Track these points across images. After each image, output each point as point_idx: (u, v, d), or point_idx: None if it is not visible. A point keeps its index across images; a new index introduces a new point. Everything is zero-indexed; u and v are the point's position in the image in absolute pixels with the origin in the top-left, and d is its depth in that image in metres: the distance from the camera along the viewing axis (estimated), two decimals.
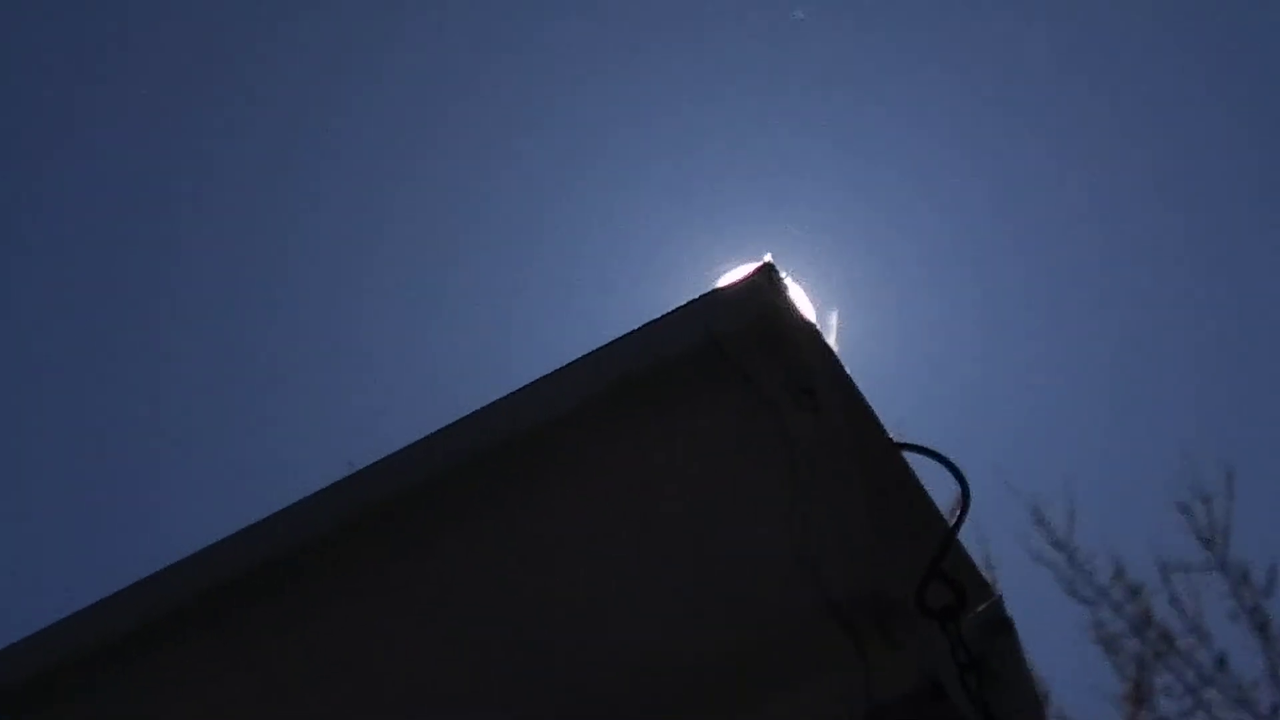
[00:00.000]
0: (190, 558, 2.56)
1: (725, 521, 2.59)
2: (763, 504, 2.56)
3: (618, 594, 2.65)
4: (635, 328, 2.55)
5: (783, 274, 2.52)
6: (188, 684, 2.60)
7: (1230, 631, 9.73)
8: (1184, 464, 9.97)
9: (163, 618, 2.54)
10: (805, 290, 2.56)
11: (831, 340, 2.55)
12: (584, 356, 2.53)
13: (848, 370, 2.56)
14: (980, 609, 2.56)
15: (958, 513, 2.56)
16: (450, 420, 2.57)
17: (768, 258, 2.59)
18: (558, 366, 2.55)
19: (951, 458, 2.61)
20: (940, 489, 2.68)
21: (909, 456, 2.63)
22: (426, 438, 2.56)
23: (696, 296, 2.54)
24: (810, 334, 2.49)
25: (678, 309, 2.52)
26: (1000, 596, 2.59)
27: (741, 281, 2.50)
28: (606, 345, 2.53)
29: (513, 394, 2.56)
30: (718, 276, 2.66)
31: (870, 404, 2.56)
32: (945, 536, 2.54)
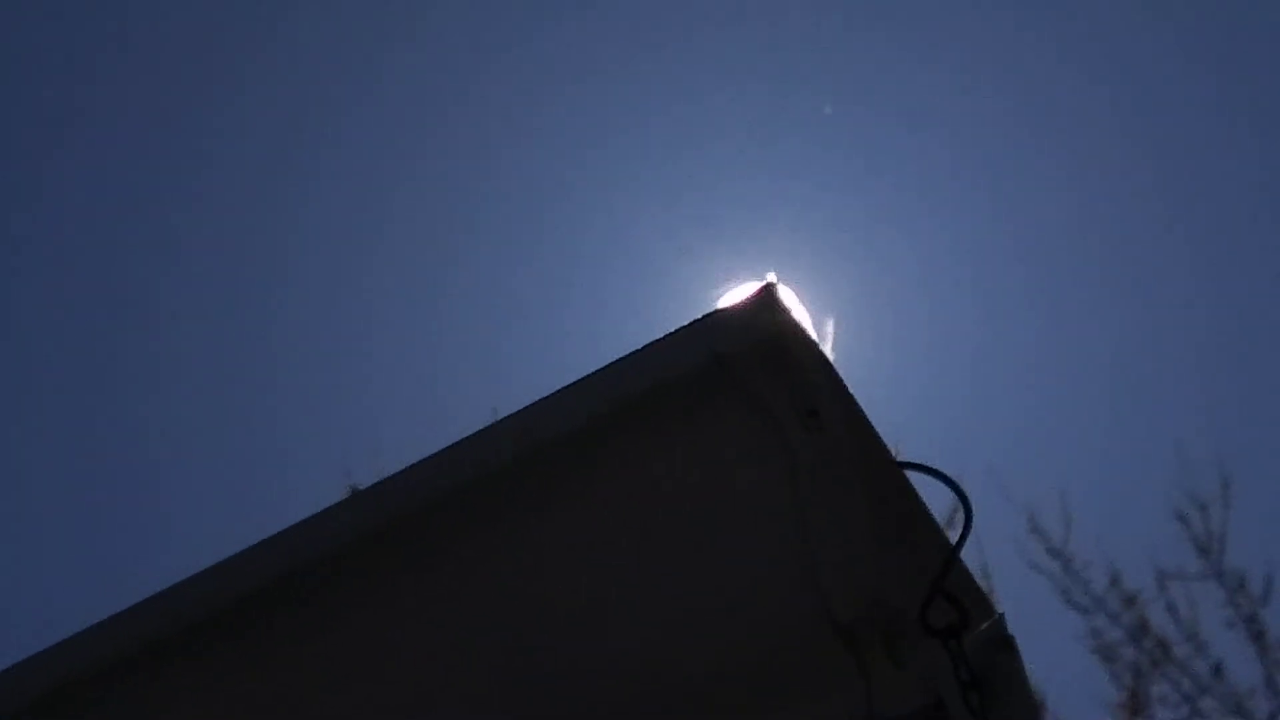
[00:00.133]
0: (205, 571, 2.58)
1: (729, 539, 2.62)
2: (766, 522, 2.59)
3: (623, 609, 2.68)
4: (639, 346, 2.58)
5: (785, 292, 2.54)
6: (202, 696, 2.63)
7: (1227, 640, 9.75)
8: (1180, 471, 10.00)
9: (178, 631, 2.56)
10: (802, 296, 2.59)
11: (828, 346, 2.58)
12: (590, 375, 2.56)
13: (850, 389, 2.59)
14: (982, 627, 2.59)
15: (960, 531, 2.58)
16: (457, 437, 2.60)
17: (770, 276, 2.62)
18: (562, 383, 2.58)
19: (954, 476, 2.63)
20: (938, 500, 2.71)
21: (911, 475, 2.65)
22: (436, 454, 2.59)
23: (700, 316, 2.56)
24: (814, 353, 2.52)
25: (682, 328, 2.55)
26: (1002, 614, 2.61)
27: (745, 301, 2.53)
28: (612, 364, 2.56)
29: (520, 411, 2.59)
30: (720, 292, 2.69)
31: (873, 423, 2.59)
32: (948, 555, 2.56)
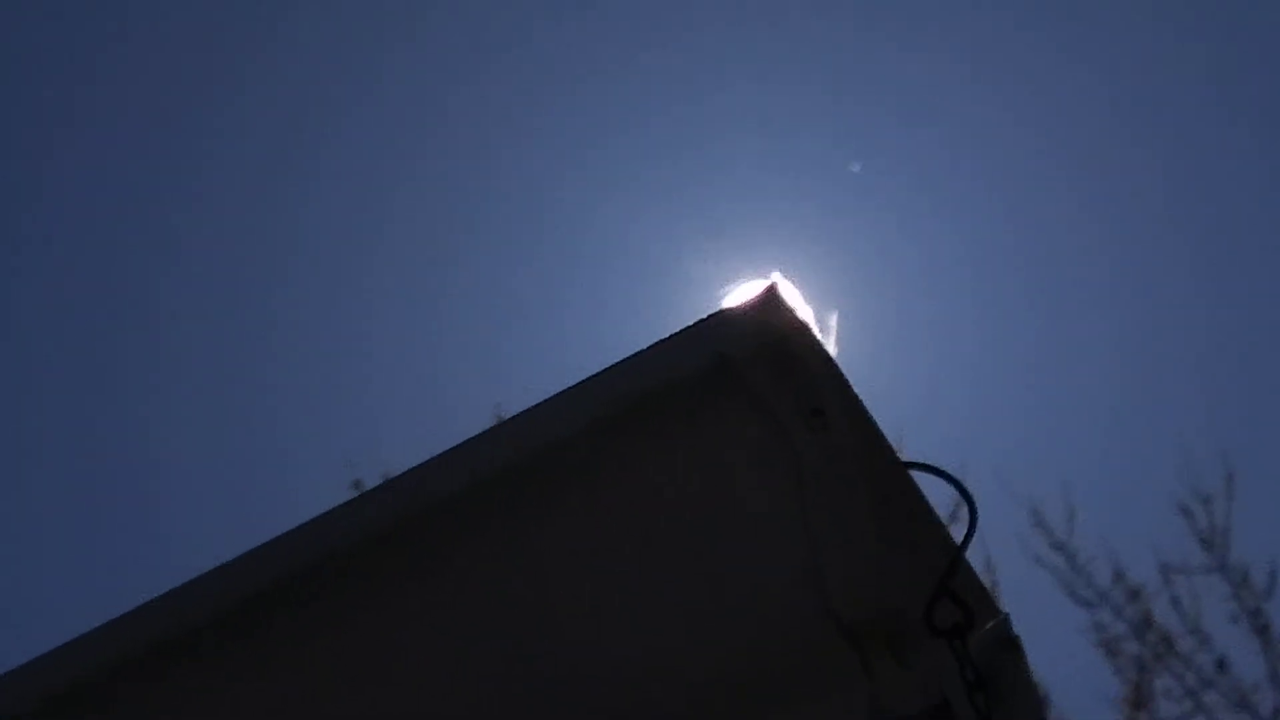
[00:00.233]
0: (209, 573, 2.59)
1: (733, 540, 2.62)
2: (771, 523, 2.59)
3: (626, 610, 2.68)
4: (642, 347, 2.58)
5: (788, 291, 2.54)
6: (206, 698, 2.63)
7: (1230, 634, 9.75)
8: (1184, 466, 10.00)
9: (182, 633, 2.56)
10: (805, 290, 2.59)
11: (831, 340, 2.57)
12: (591, 377, 2.56)
13: (855, 389, 2.58)
14: (988, 626, 2.59)
15: (965, 531, 2.58)
16: (459, 438, 2.61)
17: (774, 275, 2.61)
18: (564, 384, 2.58)
19: (958, 474, 2.63)
20: (941, 497, 2.71)
21: (915, 474, 2.65)
22: (438, 456, 2.59)
23: (704, 316, 2.56)
24: (819, 353, 2.52)
25: (685, 329, 2.55)
26: (1007, 614, 2.61)
27: (749, 302, 2.53)
28: (614, 365, 2.56)
29: (522, 414, 2.59)
30: (723, 291, 2.69)
31: (878, 423, 2.58)
32: (953, 556, 2.56)
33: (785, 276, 2.58)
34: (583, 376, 2.59)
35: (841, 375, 2.53)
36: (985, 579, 2.76)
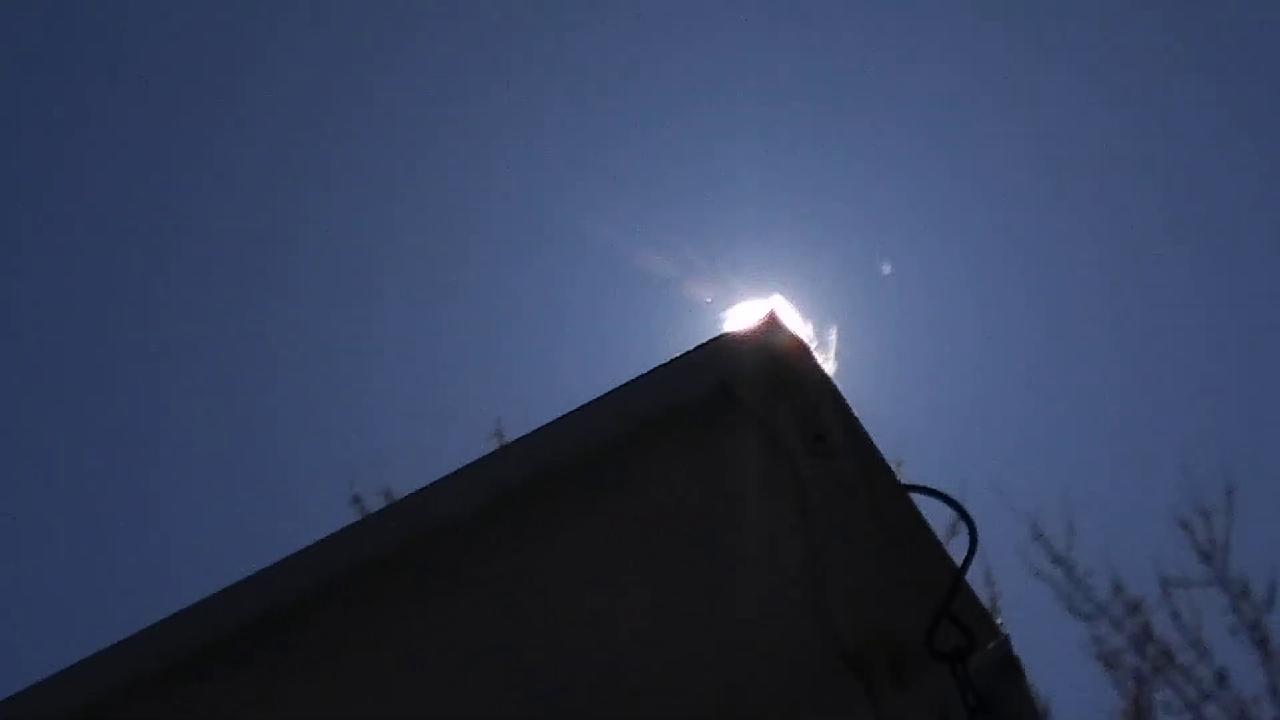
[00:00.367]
0: (216, 595, 2.60)
1: (736, 563, 2.63)
2: (774, 546, 2.60)
3: (631, 632, 2.69)
4: (646, 370, 2.59)
5: (789, 317, 2.56)
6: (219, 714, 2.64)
7: (1230, 647, 9.75)
8: (1184, 479, 10.01)
9: (188, 655, 2.57)
10: (805, 306, 2.60)
11: (831, 355, 2.59)
12: (595, 400, 2.57)
13: (856, 414, 2.60)
14: (989, 648, 2.60)
15: (965, 555, 2.59)
16: (462, 457, 2.62)
17: (775, 298, 2.63)
18: (567, 401, 2.59)
19: (957, 497, 2.64)
20: (940, 517, 2.73)
21: (916, 497, 2.67)
22: (445, 478, 2.61)
23: (706, 340, 2.58)
24: (820, 380, 2.53)
25: (688, 353, 2.56)
26: (1008, 636, 2.62)
27: (751, 328, 2.54)
28: (618, 389, 2.57)
29: (527, 436, 2.60)
30: (725, 310, 2.70)
31: (878, 447, 2.60)
32: (954, 579, 2.57)
33: (785, 292, 2.60)
34: (584, 396, 2.61)
35: (843, 399, 2.55)
36: (985, 593, 2.77)
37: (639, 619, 2.65)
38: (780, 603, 2.62)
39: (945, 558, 2.62)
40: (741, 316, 2.65)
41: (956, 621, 2.55)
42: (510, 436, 2.77)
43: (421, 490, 2.60)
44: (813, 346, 2.58)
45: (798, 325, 2.58)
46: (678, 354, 2.58)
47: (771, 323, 2.53)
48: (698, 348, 2.56)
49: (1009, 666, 2.57)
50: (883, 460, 2.59)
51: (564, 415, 2.59)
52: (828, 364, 2.59)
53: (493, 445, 2.83)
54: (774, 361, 2.49)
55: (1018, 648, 2.64)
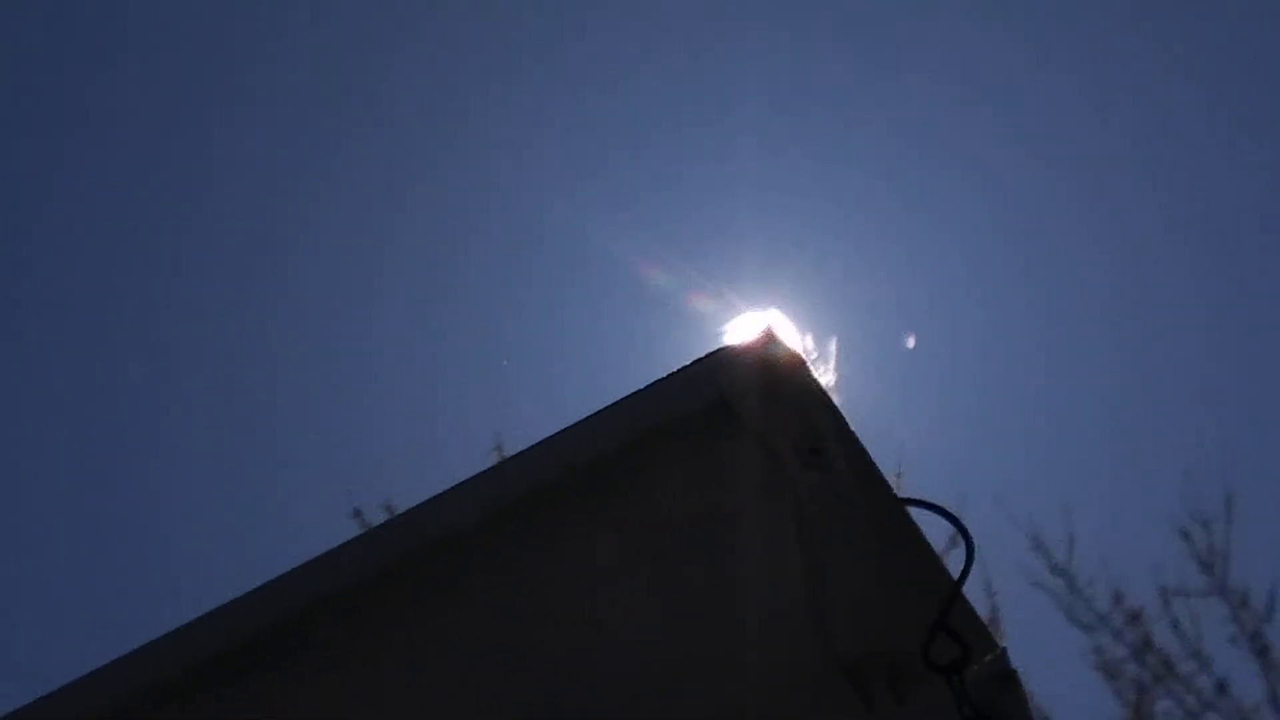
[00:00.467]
0: (215, 610, 2.61)
1: (735, 574, 2.65)
2: (771, 557, 2.62)
3: (630, 641, 2.71)
4: (644, 384, 2.61)
5: (786, 332, 2.58)
6: None
7: (1230, 656, 9.76)
8: (1184, 489, 10.01)
9: (192, 668, 2.59)
10: (804, 318, 2.62)
11: (831, 366, 2.61)
12: (593, 414, 2.59)
13: (853, 427, 2.62)
14: (986, 660, 2.61)
15: (962, 567, 2.61)
16: (461, 471, 2.64)
17: (773, 312, 2.65)
18: (564, 413, 2.61)
19: (954, 510, 2.66)
20: (937, 529, 2.74)
21: (913, 510, 2.69)
22: (445, 492, 2.63)
23: (704, 355, 2.60)
24: (816, 394, 2.55)
25: (686, 368, 2.58)
26: (1004, 649, 2.64)
27: (749, 343, 2.56)
28: (616, 403, 2.59)
29: (526, 450, 2.62)
30: (724, 322, 2.72)
31: (875, 461, 2.62)
32: (950, 591, 2.59)
33: (785, 305, 2.62)
34: (584, 408, 2.63)
35: (839, 414, 2.57)
36: (986, 603, 2.79)
37: (637, 629, 2.66)
38: (777, 613, 2.64)
39: (942, 570, 2.64)
40: (740, 330, 2.67)
41: (953, 634, 2.56)
42: (510, 450, 2.79)
43: (423, 504, 2.62)
44: (811, 360, 2.60)
45: (795, 339, 2.60)
46: (676, 367, 2.60)
47: (769, 337, 2.56)
48: (696, 361, 2.58)
49: (1006, 678, 2.58)
50: (879, 473, 2.61)
51: (563, 429, 2.61)
52: (827, 377, 2.61)
53: (493, 459, 2.85)
54: (771, 375, 2.51)
55: (1017, 659, 2.66)
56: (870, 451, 2.64)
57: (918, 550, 2.64)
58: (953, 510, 2.64)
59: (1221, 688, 9.73)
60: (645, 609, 2.65)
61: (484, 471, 2.63)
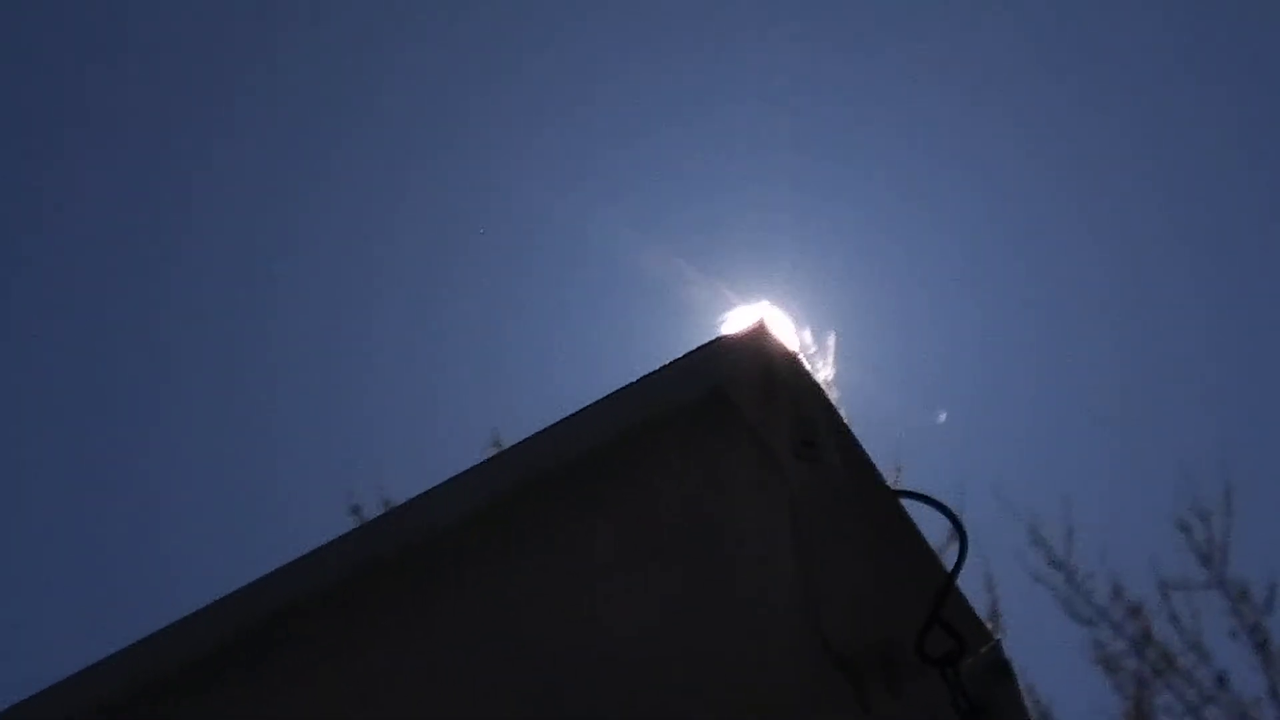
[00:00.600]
0: (214, 604, 2.61)
1: (729, 566, 2.64)
2: (765, 550, 2.61)
3: (626, 634, 2.70)
4: (639, 375, 2.61)
5: (780, 324, 2.57)
6: None
7: (1230, 649, 9.75)
8: (1183, 482, 10.01)
9: (187, 664, 2.58)
10: (802, 311, 2.62)
11: (829, 360, 2.60)
12: (589, 406, 2.59)
13: (846, 420, 2.61)
14: (981, 652, 2.61)
15: (956, 560, 2.61)
16: (458, 462, 2.64)
17: (766, 305, 2.65)
18: (560, 406, 2.61)
19: (948, 503, 2.66)
20: (934, 524, 2.74)
21: (908, 503, 2.68)
22: (441, 485, 2.62)
23: (698, 346, 2.59)
24: (809, 386, 2.55)
25: (680, 360, 2.58)
26: (999, 641, 2.63)
27: (742, 335, 2.56)
28: (611, 395, 2.59)
29: (521, 443, 2.62)
30: (719, 313, 2.72)
31: (869, 453, 2.62)
32: (944, 584, 2.58)
33: (783, 297, 2.61)
34: (580, 399, 2.63)
35: (832, 406, 2.56)
36: (985, 597, 2.78)
37: (633, 621, 2.66)
38: (772, 606, 2.63)
39: (936, 562, 2.64)
40: (735, 322, 2.66)
41: (947, 627, 2.56)
42: (507, 444, 2.78)
43: (419, 497, 2.62)
44: (807, 352, 2.60)
45: (789, 331, 2.60)
46: (672, 359, 2.60)
47: (763, 329, 2.55)
48: (691, 353, 2.58)
49: (1000, 671, 2.58)
50: (873, 465, 2.61)
51: (558, 422, 2.60)
52: (823, 369, 2.61)
53: (491, 453, 2.84)
54: (766, 367, 2.51)
55: (1017, 652, 2.66)
56: (866, 444, 2.64)
57: (912, 543, 2.64)
58: (947, 503, 2.63)
59: (1221, 681, 9.73)
60: (639, 599, 2.65)
61: (479, 464, 2.62)
